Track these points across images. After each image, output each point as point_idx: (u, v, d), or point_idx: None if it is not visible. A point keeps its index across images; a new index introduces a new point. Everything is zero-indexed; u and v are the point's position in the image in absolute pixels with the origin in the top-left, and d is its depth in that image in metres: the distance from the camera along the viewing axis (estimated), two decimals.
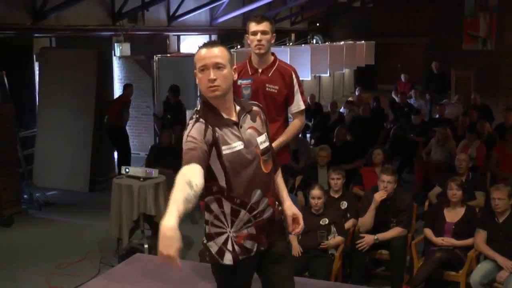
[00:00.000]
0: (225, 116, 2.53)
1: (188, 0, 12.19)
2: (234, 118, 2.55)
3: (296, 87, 3.77)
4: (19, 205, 7.26)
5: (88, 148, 8.30)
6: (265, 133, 2.64)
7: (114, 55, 10.43)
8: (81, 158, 8.31)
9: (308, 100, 12.16)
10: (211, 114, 2.51)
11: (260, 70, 3.73)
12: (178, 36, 12.76)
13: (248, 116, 2.61)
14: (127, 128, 9.19)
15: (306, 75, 12.96)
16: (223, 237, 2.59)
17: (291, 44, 16.23)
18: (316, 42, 19.08)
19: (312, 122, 11.14)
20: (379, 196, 5.03)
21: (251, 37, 3.64)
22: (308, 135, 10.88)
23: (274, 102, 3.74)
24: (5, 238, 6.52)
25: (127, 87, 9.02)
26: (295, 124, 3.86)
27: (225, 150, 2.48)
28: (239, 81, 3.72)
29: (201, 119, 2.49)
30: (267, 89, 3.72)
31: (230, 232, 2.57)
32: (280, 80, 3.73)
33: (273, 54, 3.77)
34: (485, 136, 8.21)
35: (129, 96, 9.00)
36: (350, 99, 13.46)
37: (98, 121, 8.39)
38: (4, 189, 6.97)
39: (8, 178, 7.06)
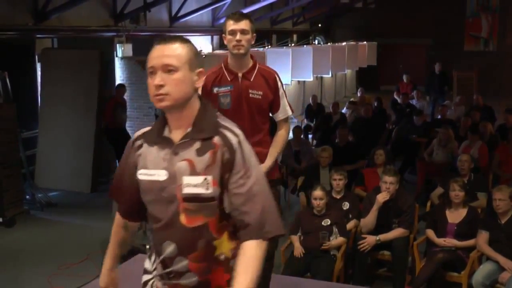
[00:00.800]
0: (167, 134, 1.98)
1: (190, 0, 12.20)
2: (176, 139, 1.96)
3: (281, 91, 3.37)
4: (21, 205, 7.26)
5: (90, 148, 8.30)
6: (208, 177, 1.91)
7: (116, 55, 10.41)
8: (83, 158, 8.32)
9: (310, 101, 12.18)
10: (158, 126, 2.02)
11: (240, 75, 3.26)
12: None
13: (196, 145, 1.93)
14: (128, 129, 9.18)
15: (308, 76, 12.96)
16: (146, 276, 2.12)
17: (293, 45, 16.24)
18: (318, 43, 19.07)
19: (314, 123, 11.13)
20: (381, 197, 5.02)
21: (229, 37, 3.19)
22: (310, 136, 10.87)
23: (259, 110, 3.31)
24: (7, 238, 6.52)
25: (118, 87, 9.04)
26: (282, 135, 3.42)
27: (141, 175, 2.00)
28: (215, 89, 3.26)
29: (150, 128, 2.07)
30: (250, 95, 3.27)
31: (152, 273, 2.09)
32: (264, 85, 3.30)
33: (252, 56, 3.33)
34: (487, 137, 8.20)
35: (122, 96, 9.00)
36: (352, 99, 13.44)
37: (100, 122, 8.41)
38: (6, 189, 6.98)
39: (10, 178, 7.07)
